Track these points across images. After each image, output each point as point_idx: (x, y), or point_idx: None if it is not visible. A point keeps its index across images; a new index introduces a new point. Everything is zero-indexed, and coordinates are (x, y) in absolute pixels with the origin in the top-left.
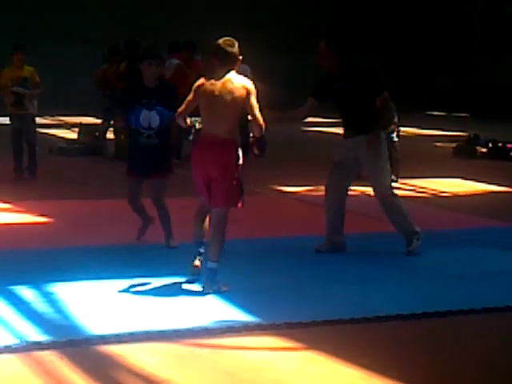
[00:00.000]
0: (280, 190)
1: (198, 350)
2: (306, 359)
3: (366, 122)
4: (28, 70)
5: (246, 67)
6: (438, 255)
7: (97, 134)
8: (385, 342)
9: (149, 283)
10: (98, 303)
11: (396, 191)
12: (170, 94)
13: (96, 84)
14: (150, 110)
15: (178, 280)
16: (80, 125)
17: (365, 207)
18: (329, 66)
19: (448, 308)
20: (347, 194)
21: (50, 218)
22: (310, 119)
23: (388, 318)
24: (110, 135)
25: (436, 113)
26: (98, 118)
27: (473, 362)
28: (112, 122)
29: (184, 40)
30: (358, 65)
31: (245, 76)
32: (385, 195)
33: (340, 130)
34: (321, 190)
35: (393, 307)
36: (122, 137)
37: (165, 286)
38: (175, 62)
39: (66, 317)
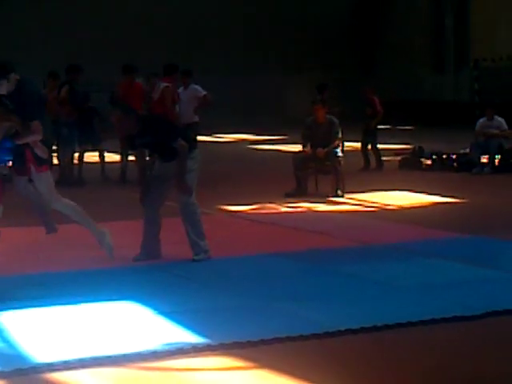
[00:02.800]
0: (227, 210)
1: (147, 374)
2: (257, 378)
3: None
4: None
5: None
6: (385, 268)
7: None
8: (335, 357)
9: (96, 308)
10: (44, 331)
11: (343, 206)
12: None
13: (48, 111)
14: None
15: (126, 304)
16: None
17: (311, 224)
18: None
19: (397, 321)
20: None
21: None
22: (252, 137)
23: (337, 333)
24: (53, 160)
25: (381, 126)
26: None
27: (421, 375)
28: (54, 148)
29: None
30: None
31: None
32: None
33: (283, 147)
34: (268, 208)
35: (341, 322)
36: (67, 162)
37: (112, 310)
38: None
39: (11, 346)
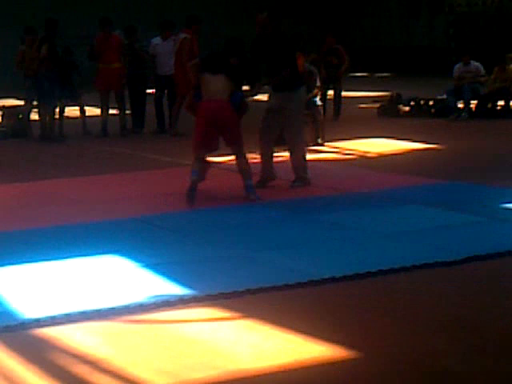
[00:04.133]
0: (208, 161)
1: (134, 327)
2: (243, 327)
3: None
4: None
5: None
6: (366, 215)
7: (20, 116)
8: (320, 306)
9: (80, 263)
10: (30, 287)
11: (322, 154)
12: None
13: (17, 65)
14: None
15: (111, 258)
16: (3, 108)
17: (293, 173)
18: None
19: (379, 268)
20: None
21: None
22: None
23: (321, 281)
24: (34, 116)
25: (358, 74)
26: (20, 99)
27: (406, 321)
28: (35, 103)
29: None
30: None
31: None
32: None
33: (260, 97)
34: (249, 158)
35: (325, 271)
36: (48, 118)
37: (98, 264)
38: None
39: None
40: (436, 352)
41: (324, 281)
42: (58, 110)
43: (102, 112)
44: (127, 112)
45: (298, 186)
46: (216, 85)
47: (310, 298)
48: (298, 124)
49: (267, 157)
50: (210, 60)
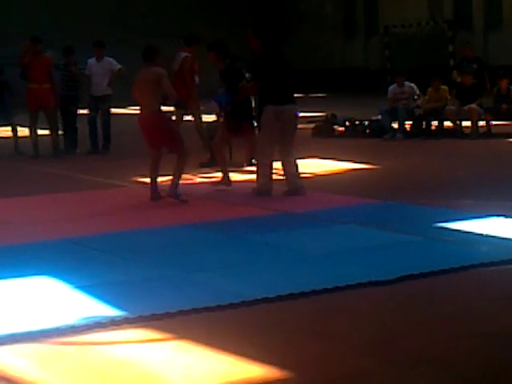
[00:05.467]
0: (141, 182)
1: (65, 349)
2: (175, 349)
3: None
4: None
5: None
6: (299, 235)
7: None
8: (254, 326)
9: (11, 284)
10: None
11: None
12: None
13: None
14: None
15: (42, 279)
16: None
17: (226, 194)
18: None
19: (312, 287)
20: None
21: None
22: (167, 108)
23: (254, 302)
24: None
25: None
26: None
27: (335, 340)
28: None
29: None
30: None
31: None
32: None
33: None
34: (183, 179)
35: (257, 291)
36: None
37: (28, 286)
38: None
39: None
40: (369, 372)
41: (257, 301)
42: None
43: (30, 132)
44: (60, 132)
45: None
46: None
47: (242, 318)
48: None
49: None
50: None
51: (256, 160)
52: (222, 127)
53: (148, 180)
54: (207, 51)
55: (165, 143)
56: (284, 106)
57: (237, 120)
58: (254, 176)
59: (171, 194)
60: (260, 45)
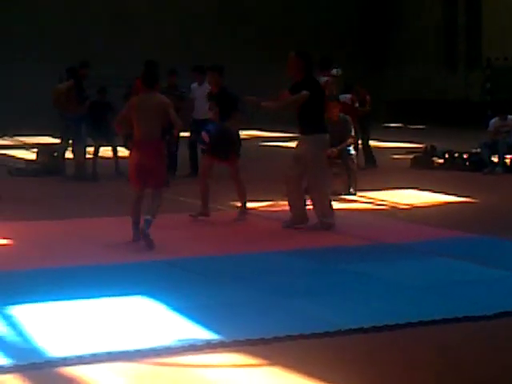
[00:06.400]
0: (240, 206)
1: (160, 369)
2: (269, 375)
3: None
4: None
5: None
6: (394, 267)
7: (55, 154)
8: (347, 356)
9: (109, 303)
10: (58, 325)
11: (354, 204)
12: None
13: (53, 103)
14: None
15: (139, 299)
16: (38, 145)
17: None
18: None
19: (408, 320)
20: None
21: (9, 239)
22: (267, 134)
23: (349, 331)
24: (68, 155)
25: (392, 125)
26: (56, 137)
27: (433, 376)
28: (70, 142)
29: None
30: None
31: None
32: None
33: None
34: (280, 205)
35: (353, 321)
36: (81, 157)
37: (126, 305)
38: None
39: (26, 340)
40: None
41: (352, 331)
42: (92, 149)
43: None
44: None
45: (316, 228)
46: None
47: (336, 348)
48: (317, 169)
49: (294, 202)
50: None
51: (319, 191)
52: (207, 156)
53: (248, 205)
54: (209, 71)
55: (154, 176)
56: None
57: (224, 148)
58: (352, 205)
59: (144, 232)
60: (303, 68)
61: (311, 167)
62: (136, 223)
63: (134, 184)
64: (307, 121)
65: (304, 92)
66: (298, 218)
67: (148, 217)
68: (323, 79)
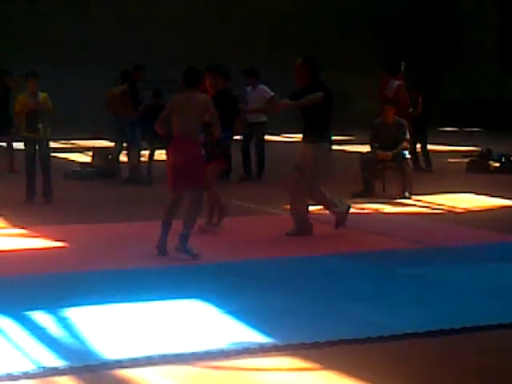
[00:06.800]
0: None
1: (214, 372)
2: (322, 380)
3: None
4: (42, 96)
5: None
6: (449, 270)
7: (109, 156)
8: (401, 361)
9: (162, 306)
10: (113, 327)
11: (409, 208)
12: None
13: (106, 107)
14: None
15: (192, 302)
16: (93, 148)
17: (378, 225)
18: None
19: (463, 325)
20: None
21: (64, 242)
22: None
23: (403, 336)
24: (123, 158)
25: (448, 128)
26: (111, 140)
27: (491, 379)
28: (125, 145)
29: None
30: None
31: None
32: None
33: (349, 148)
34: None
35: (407, 325)
36: (136, 160)
37: (179, 308)
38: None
39: (81, 342)
40: None
41: (406, 336)
42: (147, 153)
43: None
44: None
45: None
46: None
47: (391, 352)
48: (313, 176)
49: (297, 210)
50: None
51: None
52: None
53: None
54: (206, 71)
55: (190, 178)
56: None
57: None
58: (407, 208)
59: (180, 248)
60: (310, 74)
61: (309, 173)
62: (166, 224)
63: (169, 186)
64: (315, 128)
65: (319, 93)
66: (300, 229)
67: (183, 231)
68: (395, 83)
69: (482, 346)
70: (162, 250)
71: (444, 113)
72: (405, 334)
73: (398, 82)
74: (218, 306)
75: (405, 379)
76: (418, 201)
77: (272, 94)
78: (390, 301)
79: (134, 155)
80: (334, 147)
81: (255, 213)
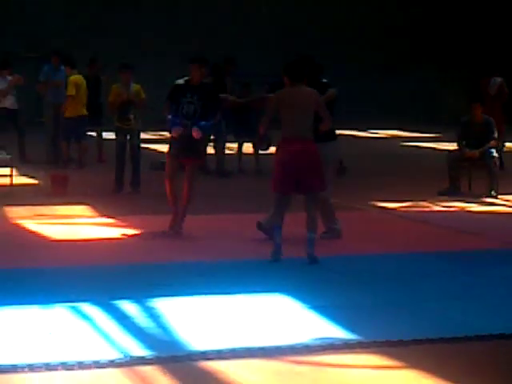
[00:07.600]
0: (379, 206)
1: (299, 368)
2: (407, 378)
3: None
4: (135, 88)
5: None
6: None
7: None
8: (486, 362)
9: (247, 300)
10: (199, 319)
11: (495, 207)
12: None
13: None
14: None
15: (278, 297)
16: None
17: (464, 224)
18: None
19: None
20: None
21: (150, 233)
22: (407, 134)
23: (489, 337)
24: (209, 150)
25: None
26: None
27: None
28: (212, 137)
29: None
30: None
31: None
32: None
33: (436, 145)
34: (420, 206)
35: (493, 326)
36: (221, 153)
37: (264, 302)
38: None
39: (168, 332)
40: None
41: (492, 337)
42: (236, 146)
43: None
44: None
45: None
46: None
47: (476, 352)
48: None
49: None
50: None
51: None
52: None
53: (382, 204)
54: (191, 63)
55: (308, 179)
56: None
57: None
58: (494, 208)
59: (312, 253)
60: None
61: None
62: (279, 228)
63: (277, 187)
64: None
65: (332, 90)
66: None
67: (310, 234)
68: (498, 80)
69: None
70: (277, 254)
71: None
72: (491, 334)
73: (500, 79)
74: (303, 300)
75: (488, 381)
76: (505, 200)
77: (333, 90)
78: (476, 301)
79: (220, 148)
80: (422, 145)
81: (342, 209)
